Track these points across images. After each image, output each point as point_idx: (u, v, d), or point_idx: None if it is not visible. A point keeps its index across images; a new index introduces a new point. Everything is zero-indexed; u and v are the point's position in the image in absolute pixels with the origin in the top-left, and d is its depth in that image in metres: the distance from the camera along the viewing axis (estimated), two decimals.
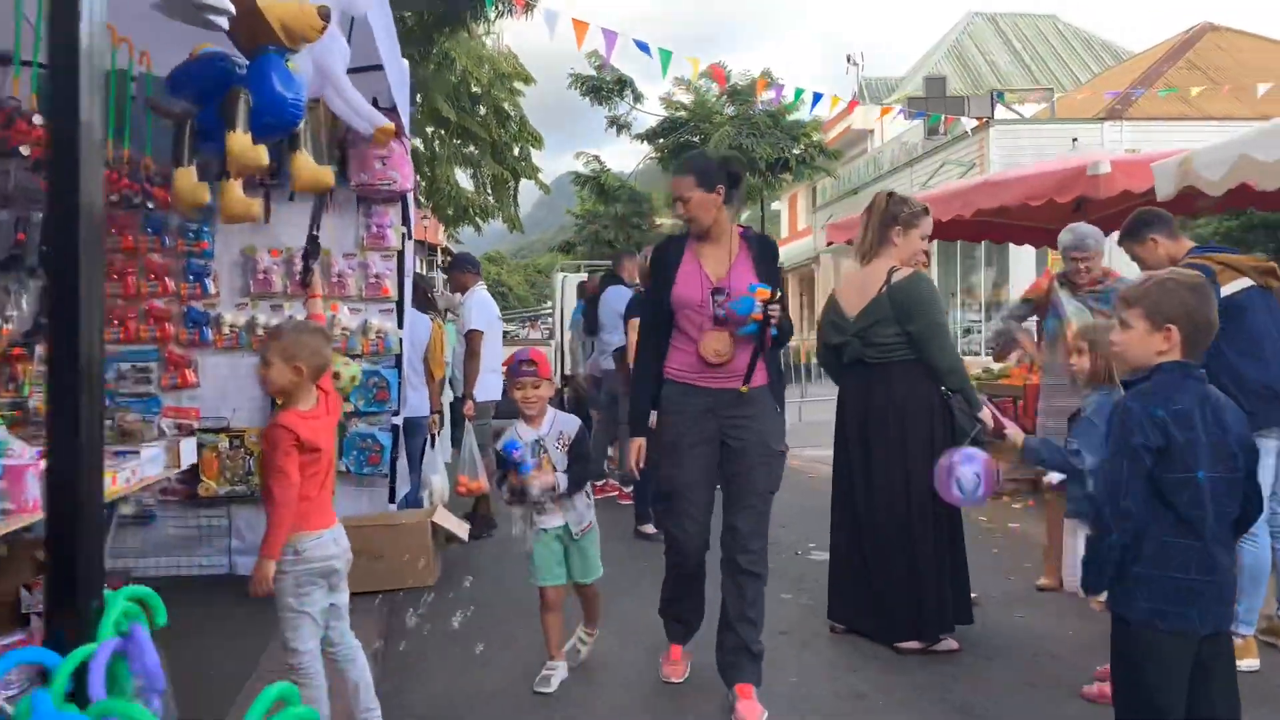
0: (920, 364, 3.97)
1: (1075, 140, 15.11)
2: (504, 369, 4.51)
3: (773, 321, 3.29)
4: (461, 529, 5.49)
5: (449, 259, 6.32)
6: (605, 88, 22.98)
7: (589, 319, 7.78)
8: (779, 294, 3.33)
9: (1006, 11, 36.95)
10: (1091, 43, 35.19)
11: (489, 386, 6.48)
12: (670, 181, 3.57)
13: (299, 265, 5.31)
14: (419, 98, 20.58)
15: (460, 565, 5.60)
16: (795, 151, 23.07)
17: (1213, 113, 17.19)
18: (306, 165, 3.19)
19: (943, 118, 16.44)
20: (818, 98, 11.00)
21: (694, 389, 3.44)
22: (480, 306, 6.56)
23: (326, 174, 3.39)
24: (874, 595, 4.03)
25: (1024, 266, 17.93)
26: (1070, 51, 34.49)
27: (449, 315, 7.53)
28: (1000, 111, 17.40)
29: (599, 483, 7.98)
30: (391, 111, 5.30)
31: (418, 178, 21.46)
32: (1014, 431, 3.40)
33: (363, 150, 5.31)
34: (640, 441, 3.54)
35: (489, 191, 20.50)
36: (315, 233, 5.19)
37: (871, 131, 29.83)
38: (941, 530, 3.97)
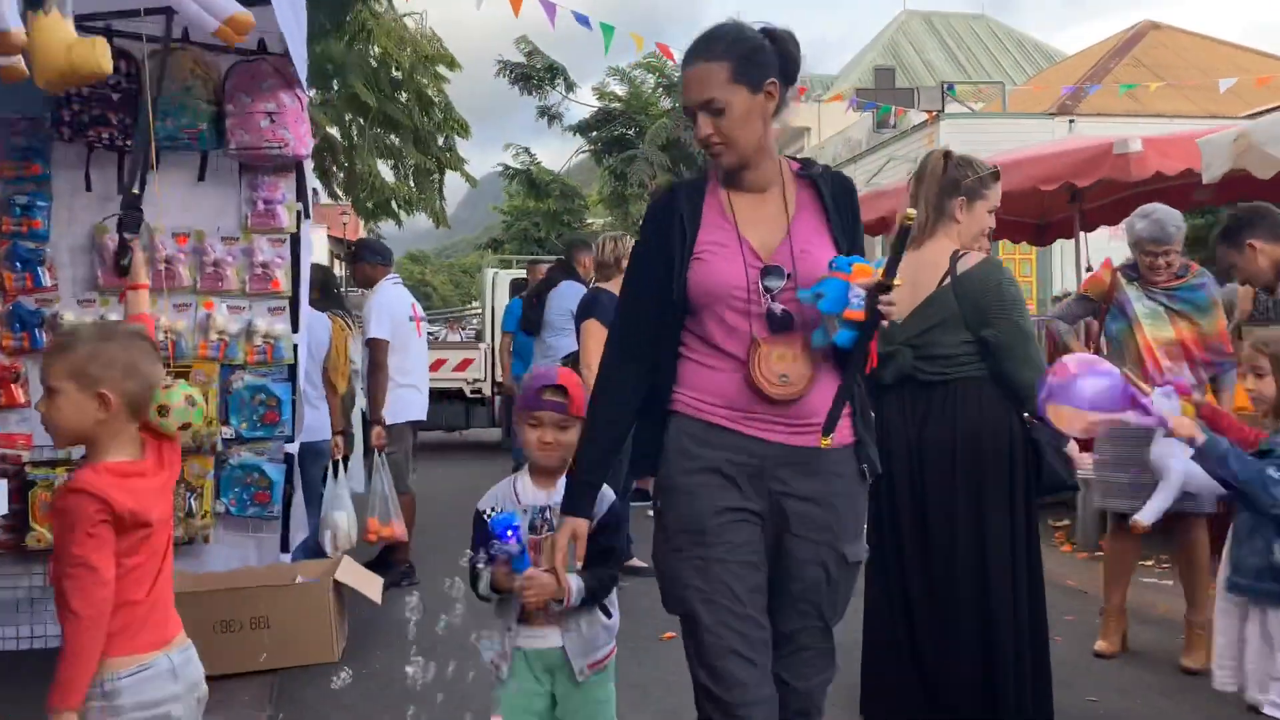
0: (993, 382, 2.97)
1: (1073, 123, 14.36)
2: (512, 389, 2.89)
3: (884, 322, 1.99)
4: (373, 586, 4.33)
5: (351, 247, 5.04)
6: (535, 76, 21.82)
7: (530, 317, 6.67)
8: (891, 275, 1.93)
9: (939, 10, 36.78)
10: (1024, 43, 35.16)
11: (405, 405, 5.31)
12: (683, 77, 2.10)
13: (112, 245, 4.05)
14: (335, 83, 19.23)
15: (373, 633, 4.43)
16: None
17: (1164, 110, 16.78)
18: (57, 34, 2.00)
19: (893, 109, 15.66)
20: None
21: (728, 434, 2.06)
22: (384, 308, 5.28)
23: (92, 51, 2.13)
24: (929, 687, 3.02)
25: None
26: (1003, 50, 34.37)
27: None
28: (949, 106, 16.70)
29: None
30: (284, 59, 4.14)
31: (335, 168, 20.15)
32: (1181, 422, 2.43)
33: (245, 106, 4.13)
34: (578, 524, 2.12)
35: (412, 183, 19.19)
36: (135, 192, 3.74)
37: (809, 129, 29.19)
38: (1022, 603, 2.97)
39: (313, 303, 4.63)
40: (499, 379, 11.56)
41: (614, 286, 5.03)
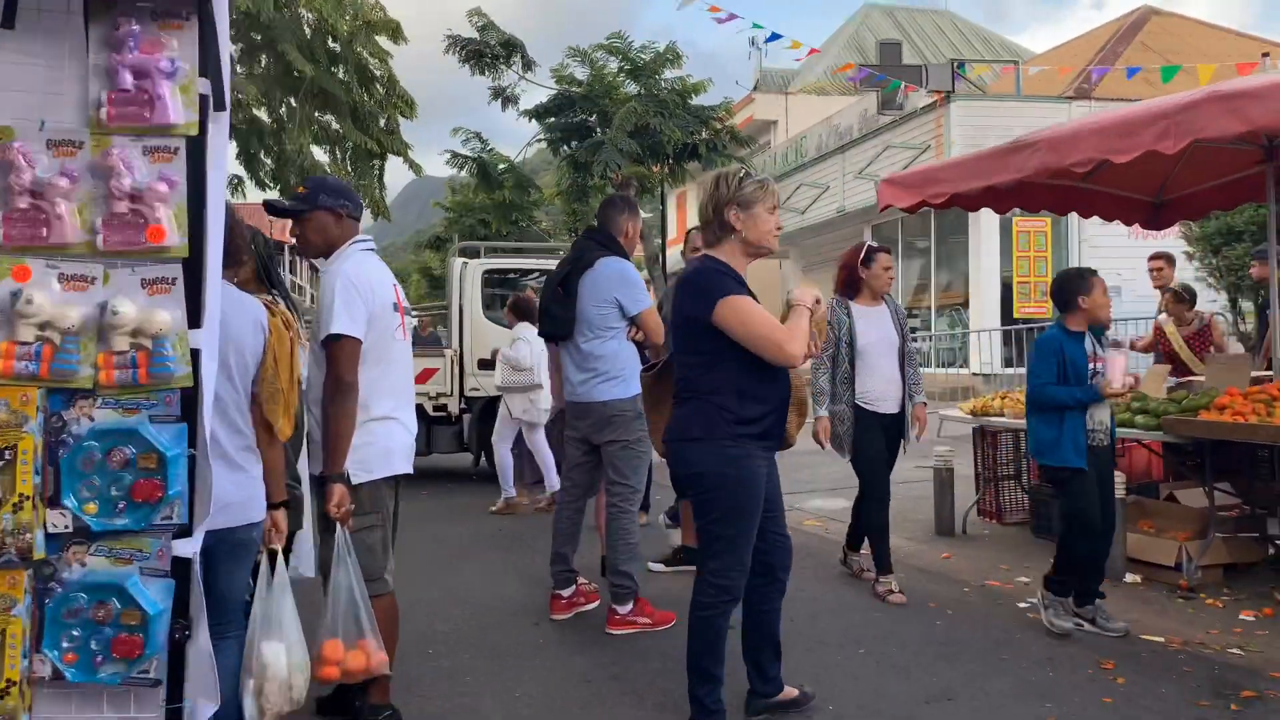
0: None
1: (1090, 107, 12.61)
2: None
3: None
4: None
5: (298, 188, 3.01)
6: (489, 53, 19.63)
7: (555, 315, 4.64)
8: None
9: (900, 5, 35.51)
10: (988, 39, 34.01)
11: (384, 450, 3.24)
12: None
13: None
14: (263, 58, 16.87)
15: None
16: (703, 136, 20.31)
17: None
18: None
19: (902, 85, 13.94)
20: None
21: None
22: (355, 287, 3.18)
23: None
24: None
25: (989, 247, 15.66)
26: (966, 45, 33.16)
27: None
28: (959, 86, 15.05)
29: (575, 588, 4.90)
30: None
31: (264, 154, 17.77)
32: None
33: None
34: None
35: (350, 167, 16.92)
36: None
37: (775, 122, 27.52)
38: None
39: (234, 275, 2.56)
40: (470, 391, 9.46)
41: (726, 255, 3.10)
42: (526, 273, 10.26)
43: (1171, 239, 16.17)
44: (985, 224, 15.55)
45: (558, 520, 4.83)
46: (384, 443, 3.18)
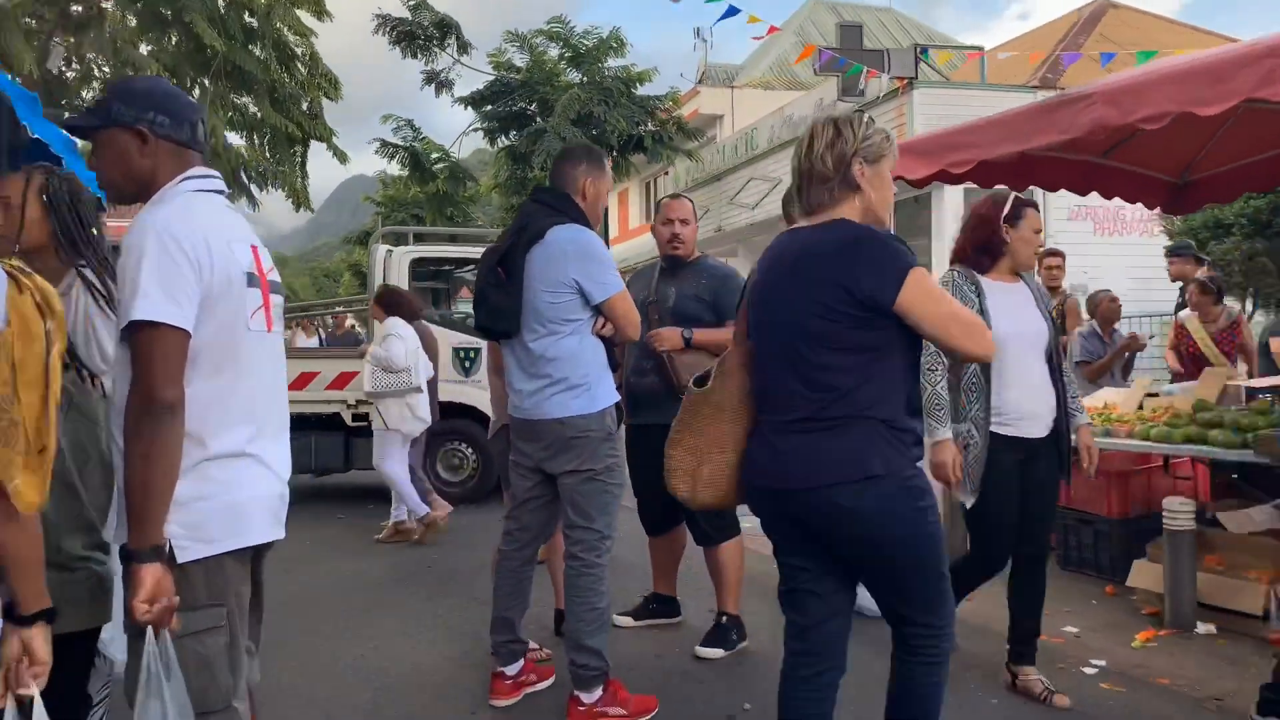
0: None
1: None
2: None
3: None
4: None
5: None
6: (422, 34, 18.37)
7: (494, 305, 3.47)
8: None
9: (846, 1, 34.94)
10: (933, 36, 33.53)
11: (231, 508, 2.00)
12: None
13: None
14: (172, 36, 15.39)
15: None
16: (649, 128, 19.28)
17: None
18: None
19: (864, 70, 13.02)
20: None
21: None
22: (173, 240, 1.90)
23: None
24: None
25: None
26: (911, 43, 32.62)
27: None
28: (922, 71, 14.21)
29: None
30: None
31: None
32: None
33: None
34: None
35: (268, 152, 15.52)
36: None
37: (721, 116, 26.59)
38: None
39: None
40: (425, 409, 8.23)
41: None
42: (462, 263, 9.07)
43: (1138, 236, 15.66)
44: (949, 217, 14.74)
45: (500, 576, 3.67)
46: (230, 495, 1.99)
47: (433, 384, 7.13)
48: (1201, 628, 4.42)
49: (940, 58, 14.89)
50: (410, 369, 6.60)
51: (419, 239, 9.27)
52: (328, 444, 8.24)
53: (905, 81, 14.14)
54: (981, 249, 3.65)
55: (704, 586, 4.63)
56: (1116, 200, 6.38)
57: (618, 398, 3.53)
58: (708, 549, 4.27)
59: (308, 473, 8.43)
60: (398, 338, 6.66)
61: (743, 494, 2.57)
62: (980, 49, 15.38)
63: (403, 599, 5.37)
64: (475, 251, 9.47)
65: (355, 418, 8.24)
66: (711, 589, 4.39)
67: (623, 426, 3.60)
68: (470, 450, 8.33)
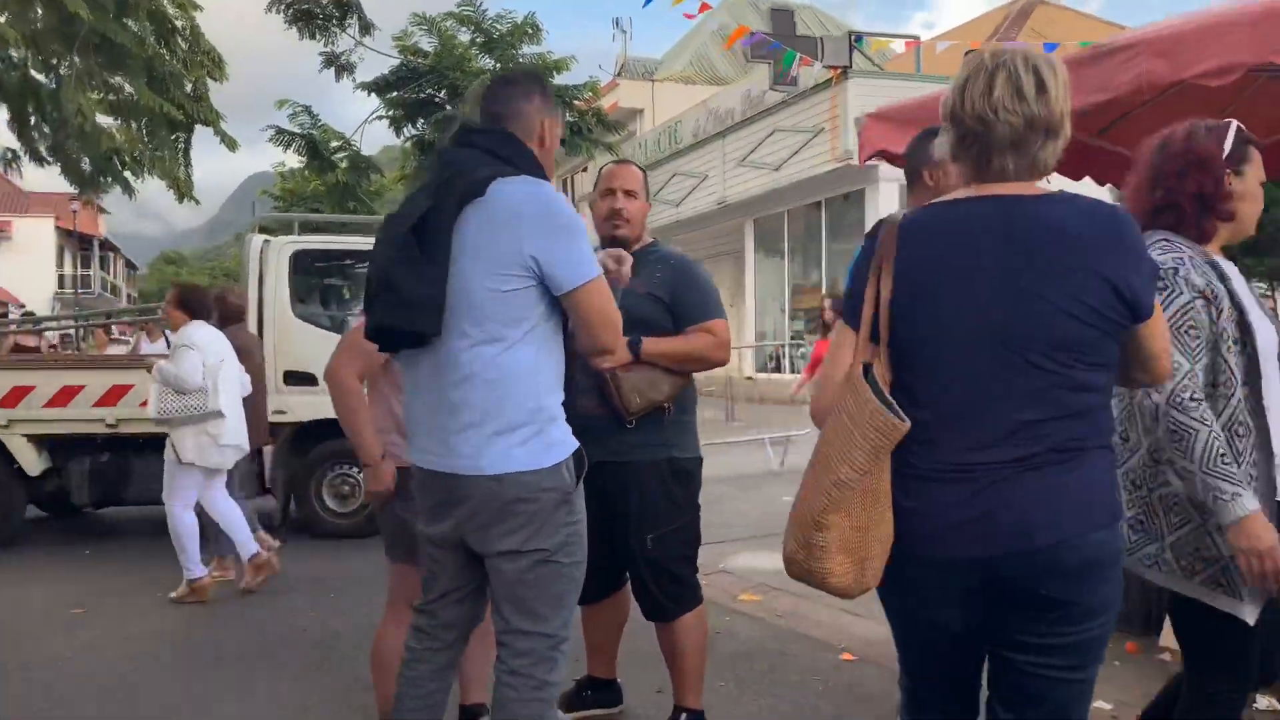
0: None
1: None
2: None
3: None
4: None
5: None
6: (320, 13, 16.96)
7: (403, 294, 2.34)
8: None
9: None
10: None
11: None
12: None
13: None
14: (39, 7, 13.76)
15: None
16: (568, 119, 18.23)
17: None
18: None
19: (798, 58, 12.19)
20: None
21: None
22: None
23: None
24: None
25: None
26: (844, 31, 32.32)
27: None
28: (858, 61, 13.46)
29: None
30: None
31: (41, 120, 14.66)
32: None
33: None
34: None
35: (144, 136, 13.98)
36: None
37: (641, 111, 25.70)
38: None
39: None
40: (274, 415, 7.04)
41: None
42: (356, 257, 7.89)
43: None
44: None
45: (403, 688, 2.52)
46: None
47: (255, 400, 6.02)
48: (1262, 701, 3.59)
49: (873, 45, 14.18)
50: (207, 389, 5.37)
51: (306, 228, 8.05)
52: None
53: (839, 71, 13.38)
54: (1201, 208, 2.31)
55: (647, 657, 3.63)
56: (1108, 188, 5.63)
57: (576, 444, 2.42)
58: (661, 624, 3.24)
59: (146, 503, 7.05)
60: (190, 349, 5.40)
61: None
62: (917, 38, 14.75)
63: (257, 677, 4.21)
64: (367, 244, 8.32)
65: None
66: (657, 657, 3.37)
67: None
68: (361, 474, 7.14)
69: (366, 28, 17.44)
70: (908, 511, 1.80)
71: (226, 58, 14.81)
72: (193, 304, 5.65)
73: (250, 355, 6.11)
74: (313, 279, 7.54)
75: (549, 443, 2.32)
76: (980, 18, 20.31)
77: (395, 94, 18.46)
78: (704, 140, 17.32)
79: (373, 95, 18.62)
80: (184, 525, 5.40)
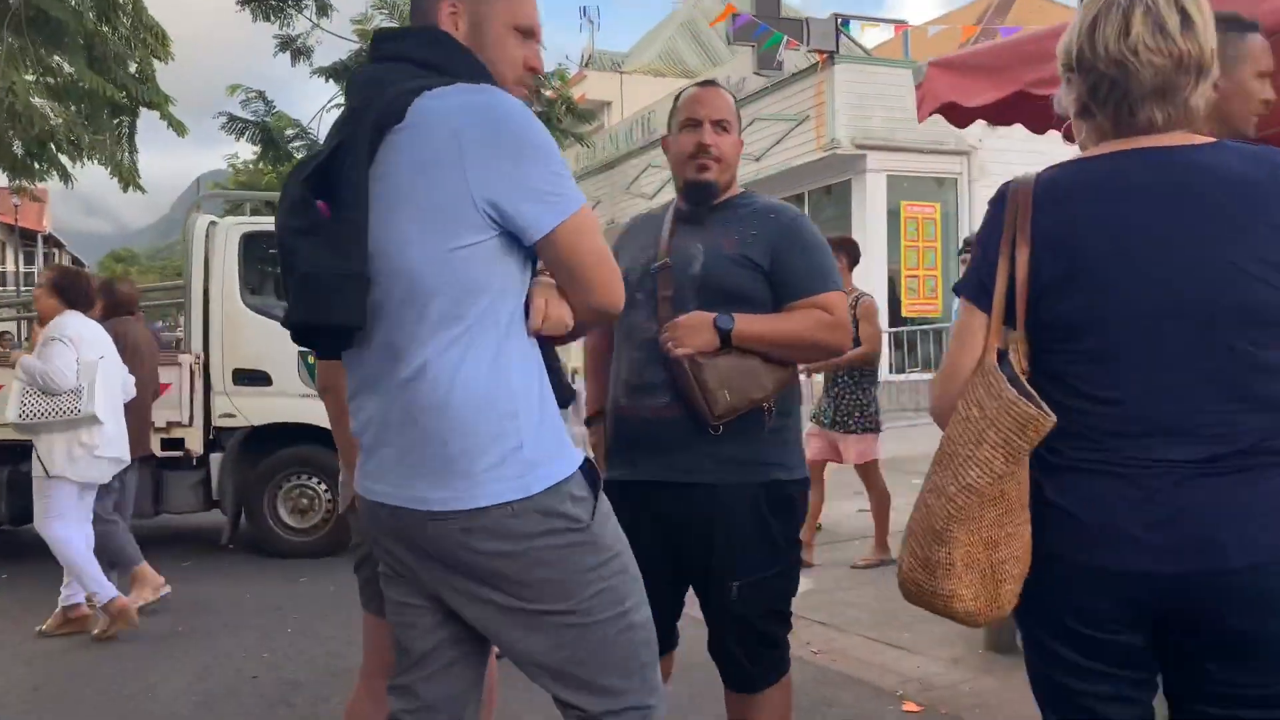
0: None
1: None
2: None
3: None
4: None
5: None
6: None
7: (312, 274, 1.58)
8: None
9: None
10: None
11: None
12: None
13: None
14: None
15: None
16: (536, 108, 17.48)
17: None
18: None
19: (784, 40, 11.55)
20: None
21: None
22: None
23: None
24: None
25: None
26: (830, 13, 31.90)
27: None
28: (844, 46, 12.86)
29: None
30: None
31: None
32: None
33: None
34: None
35: (85, 118, 13.01)
36: None
37: (610, 103, 24.98)
38: None
39: None
40: (221, 418, 6.27)
41: None
42: None
43: None
44: (870, 209, 13.48)
45: None
46: None
47: (139, 405, 5.20)
48: None
49: (863, 28, 13.62)
50: (82, 390, 4.58)
51: (258, 207, 7.26)
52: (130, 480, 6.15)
53: (826, 55, 12.77)
54: None
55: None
56: None
57: (581, 452, 1.72)
58: (745, 695, 2.41)
59: None
60: (62, 343, 4.61)
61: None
62: (905, 22, 14.20)
63: None
64: None
65: (168, 444, 6.19)
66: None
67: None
68: (323, 486, 6.36)
69: (324, 9, 16.62)
70: (1060, 512, 1.54)
71: (176, 50, 13.89)
72: (69, 291, 4.80)
73: (138, 353, 5.28)
74: (267, 265, 6.75)
75: (531, 460, 1.61)
76: (963, 9, 19.86)
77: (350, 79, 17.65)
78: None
79: (330, 81, 17.80)
80: (72, 547, 4.56)
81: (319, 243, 1.59)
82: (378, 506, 1.70)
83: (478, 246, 1.58)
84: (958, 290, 1.67)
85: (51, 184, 14.55)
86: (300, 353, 6.21)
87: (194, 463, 6.30)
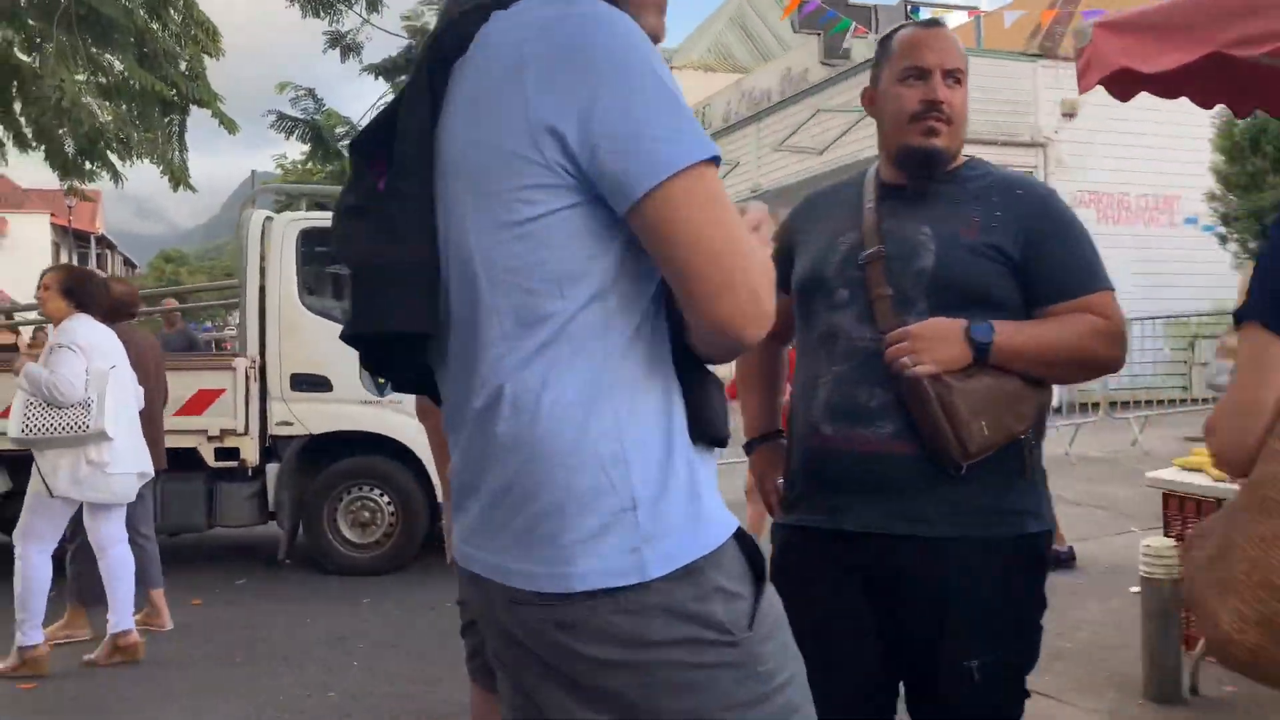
0: None
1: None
2: None
3: None
4: None
5: None
6: None
7: (370, 257, 1.19)
8: None
9: None
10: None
11: None
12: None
13: None
14: None
15: None
16: None
17: None
18: None
19: (852, 26, 11.04)
20: None
21: None
22: None
23: None
24: None
25: None
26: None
27: None
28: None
29: None
30: None
31: (25, 104, 13.60)
32: None
33: None
34: None
35: (135, 116, 12.81)
36: None
37: None
38: None
39: None
40: (278, 427, 5.92)
41: None
42: None
43: (1142, 225, 14.08)
44: None
45: None
46: None
47: (150, 418, 4.74)
48: None
49: (934, 14, 13.05)
50: (91, 402, 4.16)
51: (314, 203, 6.91)
52: (182, 492, 5.81)
53: None
54: None
55: None
56: (1123, 184, 4.49)
57: (732, 522, 1.17)
58: None
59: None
60: (70, 350, 4.20)
61: None
62: (977, 7, 13.61)
63: None
64: None
65: (221, 454, 5.83)
66: None
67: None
68: (385, 499, 5.96)
69: (374, 4, 16.37)
70: None
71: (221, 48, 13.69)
72: (78, 292, 4.37)
73: (142, 361, 4.78)
74: (326, 263, 6.37)
75: (651, 530, 1.10)
76: None
77: (403, 77, 17.42)
78: (736, 124, 16.17)
79: (380, 79, 17.59)
80: (38, 578, 4.14)
81: (371, 224, 1.18)
82: (465, 573, 1.25)
83: (554, 218, 1.10)
84: (1244, 317, 1.43)
85: (104, 186, 14.43)
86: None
87: (249, 473, 5.93)
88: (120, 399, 4.27)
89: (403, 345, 1.21)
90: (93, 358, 4.20)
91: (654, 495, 1.11)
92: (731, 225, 1.10)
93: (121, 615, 4.32)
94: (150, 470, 4.48)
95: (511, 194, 1.11)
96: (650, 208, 1.06)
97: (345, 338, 1.22)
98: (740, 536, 1.17)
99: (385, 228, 1.16)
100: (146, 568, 4.65)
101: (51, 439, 4.10)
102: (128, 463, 4.28)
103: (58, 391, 4.05)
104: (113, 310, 4.70)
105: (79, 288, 4.40)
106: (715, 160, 1.10)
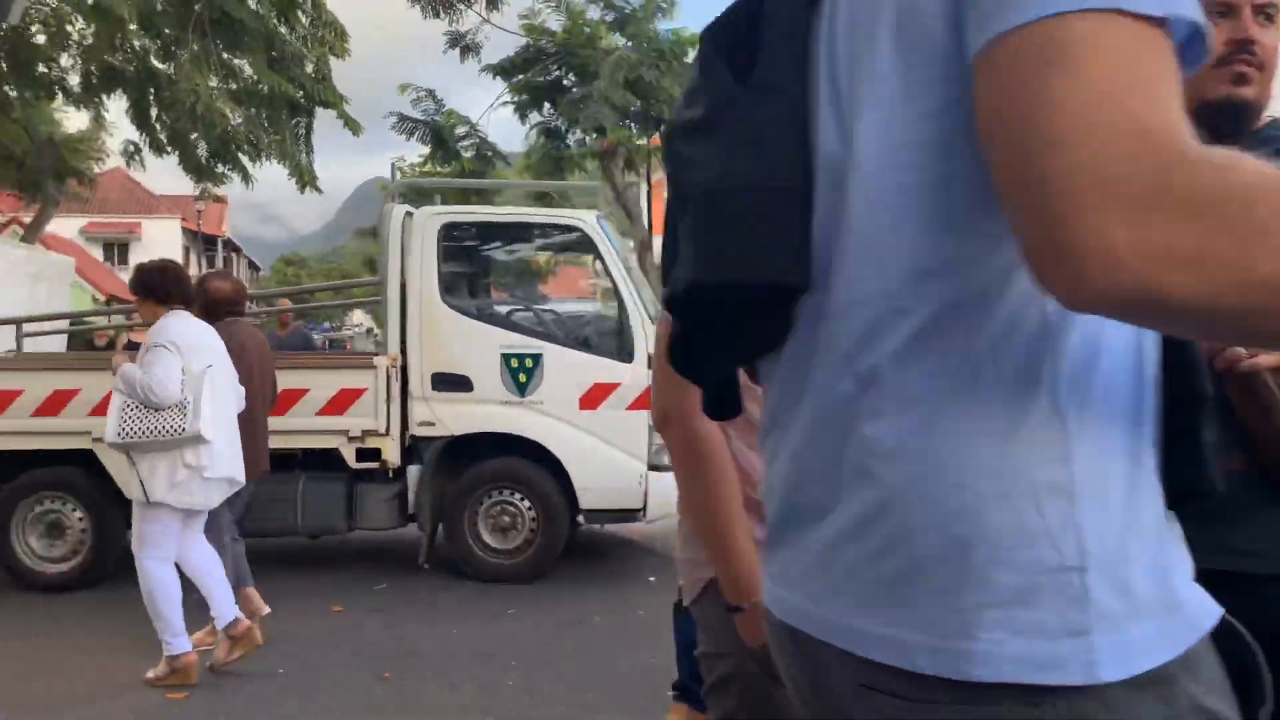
0: None
1: None
2: None
3: None
4: None
5: None
6: None
7: (716, 187, 0.83)
8: None
9: None
10: None
11: None
12: None
13: None
14: None
15: None
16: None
17: None
18: None
19: None
20: None
21: None
22: None
23: None
24: None
25: None
26: None
27: None
28: None
29: None
30: None
31: (160, 110, 13.98)
32: None
33: None
34: None
35: (264, 119, 12.99)
36: None
37: None
38: None
39: None
40: (419, 427, 5.73)
41: None
42: (517, 230, 6.51)
43: None
44: None
45: None
46: None
47: (250, 420, 4.50)
48: None
49: None
50: (187, 404, 3.95)
51: (456, 195, 6.73)
52: (323, 492, 5.68)
53: None
54: None
55: None
56: None
57: (1215, 607, 0.78)
58: None
59: (292, 534, 5.84)
60: (165, 349, 3.97)
61: None
62: None
63: None
64: (535, 216, 6.96)
65: (362, 455, 5.66)
66: None
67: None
68: (526, 503, 5.70)
69: (494, 2, 16.35)
70: None
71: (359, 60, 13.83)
72: (157, 287, 4.14)
73: (244, 359, 4.51)
74: (465, 259, 6.17)
75: (1107, 606, 0.72)
76: None
77: (521, 77, 17.34)
78: None
79: (498, 79, 17.54)
80: (161, 585, 3.97)
81: (724, 140, 0.84)
82: (783, 629, 0.90)
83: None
84: None
85: (231, 191, 14.78)
86: (504, 355, 5.57)
87: (389, 475, 5.75)
88: (217, 400, 4.06)
89: (760, 299, 0.85)
90: (188, 356, 3.99)
91: (1114, 552, 0.73)
92: (1141, 78, 0.66)
93: (224, 608, 4.13)
94: (241, 479, 4.24)
95: (924, 86, 0.75)
96: (1004, 54, 0.65)
97: (680, 290, 0.87)
98: (1222, 625, 0.78)
99: (747, 141, 0.83)
100: (236, 567, 4.49)
101: (149, 443, 3.92)
102: (223, 468, 4.08)
103: (152, 393, 3.85)
104: (211, 305, 4.53)
105: (153, 281, 4.18)
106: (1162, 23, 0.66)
